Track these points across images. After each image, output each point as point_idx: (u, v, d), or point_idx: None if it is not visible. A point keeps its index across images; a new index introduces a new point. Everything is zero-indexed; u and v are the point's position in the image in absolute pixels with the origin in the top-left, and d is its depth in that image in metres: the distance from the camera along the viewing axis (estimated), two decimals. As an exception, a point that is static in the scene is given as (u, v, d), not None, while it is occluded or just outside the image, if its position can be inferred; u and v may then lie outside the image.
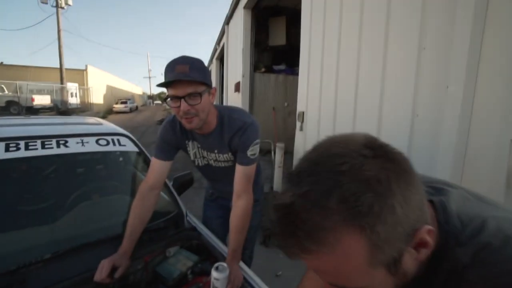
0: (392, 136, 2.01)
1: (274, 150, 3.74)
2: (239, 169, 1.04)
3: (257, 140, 1.05)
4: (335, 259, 0.30)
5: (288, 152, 4.31)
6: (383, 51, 2.06)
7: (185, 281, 0.92)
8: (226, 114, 1.05)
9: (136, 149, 1.43)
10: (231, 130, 1.04)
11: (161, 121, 11.92)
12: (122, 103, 22.37)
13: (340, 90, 2.66)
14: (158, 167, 1.07)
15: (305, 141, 3.32)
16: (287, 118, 6.72)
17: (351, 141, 0.33)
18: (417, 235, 0.32)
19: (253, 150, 1.04)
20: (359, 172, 0.29)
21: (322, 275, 0.34)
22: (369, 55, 2.24)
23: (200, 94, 0.90)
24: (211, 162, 1.15)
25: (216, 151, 1.09)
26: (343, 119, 2.60)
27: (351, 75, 2.45)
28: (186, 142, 1.12)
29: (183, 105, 0.88)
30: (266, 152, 5.15)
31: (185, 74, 0.85)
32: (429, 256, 0.35)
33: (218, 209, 1.38)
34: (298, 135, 3.51)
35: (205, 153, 1.13)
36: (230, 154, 1.09)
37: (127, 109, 21.88)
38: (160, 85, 0.89)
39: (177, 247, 1.06)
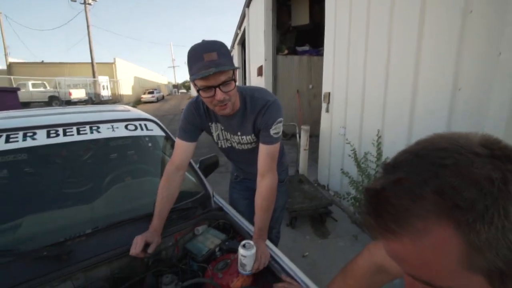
0: (429, 112, 1.84)
1: (299, 133, 3.67)
2: (262, 149, 1.02)
3: (280, 119, 1.02)
4: (420, 249, 0.28)
5: (314, 136, 4.20)
6: (419, 16, 1.85)
7: (213, 258, 0.94)
8: (248, 94, 1.03)
9: (162, 133, 1.47)
10: (254, 109, 1.01)
11: (186, 109, 12.04)
12: (149, 93, 23.29)
13: (369, 65, 2.48)
14: (182, 148, 1.08)
15: (331, 123, 3.20)
16: (312, 101, 6.52)
17: (463, 138, 0.30)
18: None
19: (277, 129, 1.01)
20: (465, 168, 0.27)
21: (403, 264, 0.32)
22: (403, 22, 2.03)
23: (234, 80, 0.89)
24: (234, 144, 1.14)
25: (239, 133, 1.08)
26: (373, 97, 2.44)
27: (382, 48, 2.26)
28: (210, 124, 1.11)
29: (219, 94, 0.87)
30: (291, 135, 5.07)
31: (217, 63, 0.82)
32: None
33: (244, 190, 1.39)
34: (324, 117, 3.39)
35: (228, 135, 1.12)
36: (253, 135, 1.07)
37: (154, 99, 22.79)
38: (194, 78, 0.84)
39: (205, 226, 1.09)
